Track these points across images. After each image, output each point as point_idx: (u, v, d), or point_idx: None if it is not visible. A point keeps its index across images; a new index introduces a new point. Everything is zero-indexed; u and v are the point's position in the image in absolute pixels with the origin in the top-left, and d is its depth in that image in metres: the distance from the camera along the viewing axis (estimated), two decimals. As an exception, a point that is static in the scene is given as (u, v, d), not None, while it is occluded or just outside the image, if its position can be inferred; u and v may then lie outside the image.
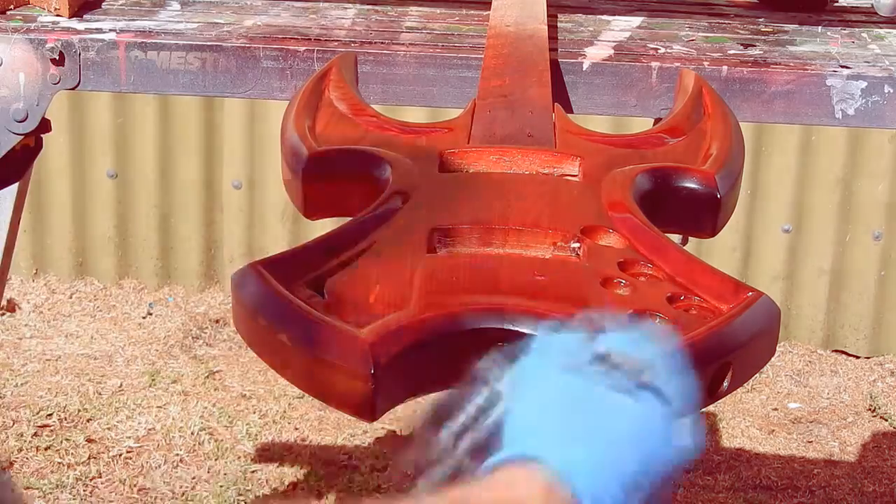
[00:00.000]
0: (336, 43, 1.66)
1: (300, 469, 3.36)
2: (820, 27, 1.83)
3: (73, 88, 1.64)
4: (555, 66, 1.60)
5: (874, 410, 3.89)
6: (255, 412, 3.62)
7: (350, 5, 1.84)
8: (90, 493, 3.21)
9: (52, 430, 3.47)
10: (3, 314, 4.09)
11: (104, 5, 1.79)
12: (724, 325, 0.97)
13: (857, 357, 4.20)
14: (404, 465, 0.85)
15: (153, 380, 3.75)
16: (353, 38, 1.68)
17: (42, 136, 1.72)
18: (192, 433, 3.48)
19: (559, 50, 1.66)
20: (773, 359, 1.05)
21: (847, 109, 1.61)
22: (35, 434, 3.45)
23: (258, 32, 1.68)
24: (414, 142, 1.28)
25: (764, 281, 4.10)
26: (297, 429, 3.56)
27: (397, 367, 0.92)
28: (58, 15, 1.70)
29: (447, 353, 0.95)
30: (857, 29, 1.82)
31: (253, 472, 3.33)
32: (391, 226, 1.09)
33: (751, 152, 4.00)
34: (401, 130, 1.31)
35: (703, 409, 0.96)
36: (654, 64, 1.62)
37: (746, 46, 1.72)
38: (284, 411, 3.63)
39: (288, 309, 0.96)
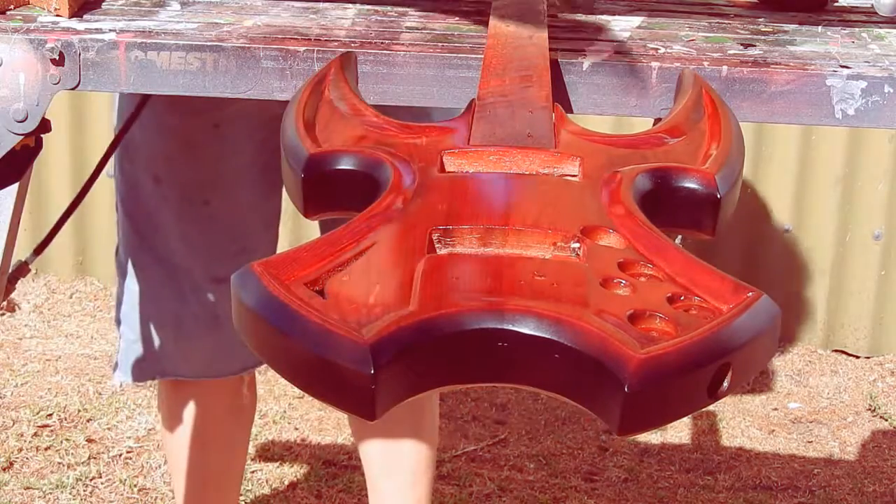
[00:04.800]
0: (336, 43, 1.66)
1: (300, 469, 3.36)
2: (820, 27, 1.83)
3: (73, 88, 1.64)
4: (555, 66, 1.60)
5: (874, 410, 3.89)
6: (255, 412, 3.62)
7: (350, 5, 1.84)
8: (90, 493, 3.21)
9: (52, 430, 3.47)
10: (3, 314, 4.09)
11: (104, 5, 1.79)
12: (723, 325, 0.97)
13: (857, 357, 4.20)
14: None
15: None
16: (353, 38, 1.68)
17: (42, 136, 1.72)
18: (192, 433, 3.47)
19: (559, 50, 1.66)
20: (773, 359, 1.05)
21: (847, 109, 1.61)
22: (35, 434, 3.45)
23: (258, 32, 1.68)
24: (414, 142, 1.28)
25: (764, 281, 4.11)
26: (297, 429, 3.56)
27: (397, 367, 0.92)
28: (58, 15, 1.70)
29: (447, 353, 0.95)
30: (857, 29, 1.82)
31: (253, 472, 3.33)
32: (391, 226, 1.09)
33: (751, 152, 4.00)
34: (401, 130, 1.31)
35: (704, 410, 0.97)
36: (654, 64, 1.62)
37: (746, 46, 1.72)
38: (284, 411, 3.63)
39: (288, 309, 0.97)
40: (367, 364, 0.91)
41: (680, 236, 1.52)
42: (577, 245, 1.07)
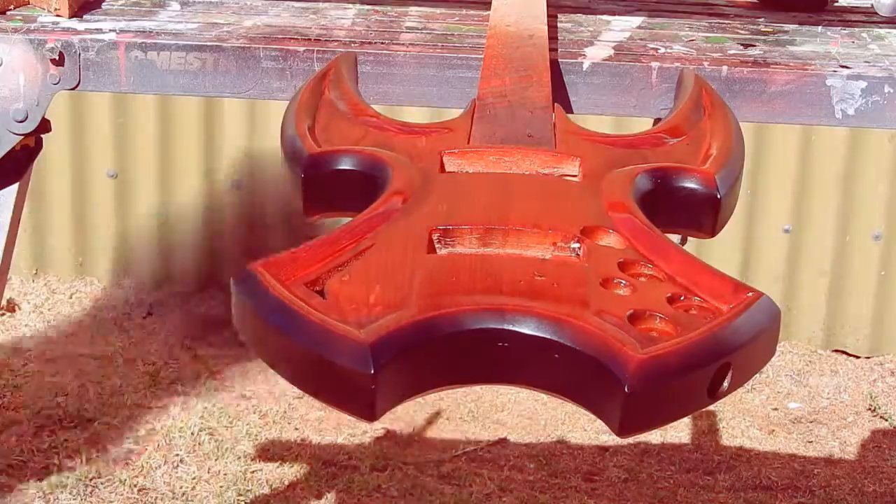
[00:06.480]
0: (336, 43, 1.66)
1: (300, 469, 3.36)
2: (820, 27, 1.83)
3: (73, 88, 1.64)
4: (555, 66, 1.60)
5: (874, 410, 3.89)
6: (255, 412, 3.62)
7: (350, 5, 1.84)
8: (90, 493, 3.21)
9: (52, 431, 3.47)
10: (3, 314, 4.09)
11: (104, 5, 1.79)
12: (724, 326, 0.97)
13: (857, 357, 4.20)
14: None
15: (153, 380, 3.75)
16: (353, 38, 1.69)
17: (42, 136, 1.72)
18: (192, 433, 3.48)
19: (559, 50, 1.66)
20: (773, 359, 1.05)
21: (847, 109, 1.61)
22: (35, 434, 3.45)
23: (258, 32, 1.69)
24: (414, 142, 1.28)
25: (764, 281, 4.11)
26: (297, 429, 3.56)
27: (397, 368, 0.92)
28: (58, 15, 1.70)
29: (447, 353, 0.95)
30: (857, 29, 1.82)
31: (253, 472, 3.34)
32: (391, 226, 1.09)
33: (751, 152, 4.00)
34: (401, 130, 1.31)
35: (704, 409, 0.97)
36: (654, 64, 1.62)
37: (746, 46, 1.72)
38: (284, 411, 3.64)
39: (288, 309, 0.97)
40: (368, 364, 0.91)
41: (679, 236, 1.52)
42: (577, 245, 1.07)
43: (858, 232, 4.12)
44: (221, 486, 3.25)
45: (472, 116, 1.35)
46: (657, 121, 1.61)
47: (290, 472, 3.35)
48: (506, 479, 3.39)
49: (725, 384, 0.96)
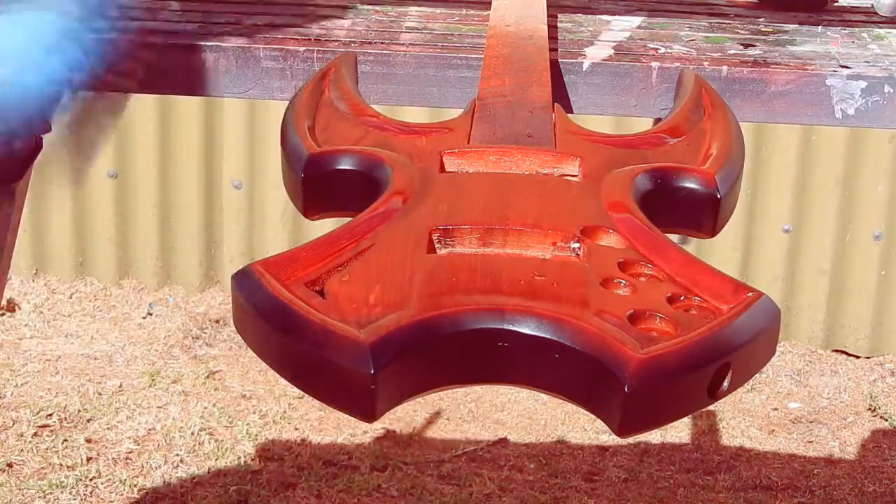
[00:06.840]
0: (336, 43, 1.66)
1: (300, 469, 3.36)
2: (820, 27, 1.83)
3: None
4: (555, 66, 1.60)
5: (874, 410, 3.89)
6: (255, 412, 3.62)
7: (350, 5, 1.84)
8: (90, 493, 3.21)
9: (52, 431, 3.47)
10: (3, 314, 4.09)
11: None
12: (724, 325, 0.97)
13: (857, 357, 4.20)
14: None
15: (153, 380, 3.75)
16: (353, 38, 1.69)
17: (42, 136, 1.72)
18: (192, 433, 3.48)
19: (559, 50, 1.66)
20: (773, 359, 1.05)
21: (847, 109, 1.61)
22: (35, 434, 3.45)
23: (258, 32, 1.69)
24: (414, 142, 1.28)
25: (764, 281, 4.11)
26: (297, 429, 3.56)
27: (397, 368, 0.92)
28: None
29: (447, 353, 0.95)
30: (857, 29, 1.82)
31: (253, 472, 3.33)
32: (391, 226, 1.09)
33: (751, 152, 4.00)
34: (401, 130, 1.31)
35: (704, 409, 0.97)
36: (654, 64, 1.62)
37: (746, 46, 1.72)
38: (284, 411, 3.64)
39: (288, 309, 0.96)
40: (367, 364, 0.91)
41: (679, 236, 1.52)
42: (577, 245, 1.07)
43: (858, 232, 4.13)
44: (221, 487, 3.25)
45: (472, 116, 1.35)
46: (657, 121, 1.61)
47: (290, 472, 3.35)
48: (506, 479, 3.39)
49: (725, 384, 0.96)
